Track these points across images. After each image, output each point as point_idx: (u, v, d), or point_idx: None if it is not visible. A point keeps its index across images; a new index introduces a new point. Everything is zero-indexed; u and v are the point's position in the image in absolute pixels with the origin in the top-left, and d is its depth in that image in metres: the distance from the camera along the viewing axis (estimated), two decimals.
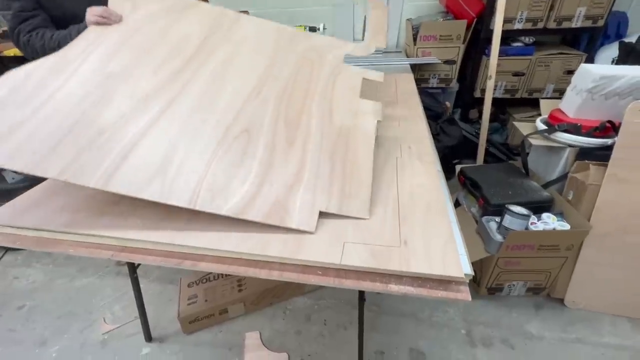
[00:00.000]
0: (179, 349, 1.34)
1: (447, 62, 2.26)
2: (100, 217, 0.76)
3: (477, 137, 2.05)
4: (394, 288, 0.58)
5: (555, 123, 1.43)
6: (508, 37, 2.14)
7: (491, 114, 1.94)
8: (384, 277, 0.60)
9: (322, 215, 0.73)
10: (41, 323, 1.48)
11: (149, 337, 1.37)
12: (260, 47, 1.03)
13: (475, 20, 2.20)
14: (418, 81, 2.19)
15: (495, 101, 2.12)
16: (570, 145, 1.37)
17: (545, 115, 1.56)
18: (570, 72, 2.09)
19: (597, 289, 1.35)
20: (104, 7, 0.95)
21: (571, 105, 1.42)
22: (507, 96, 2.31)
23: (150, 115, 0.79)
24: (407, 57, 2.35)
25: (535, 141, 1.45)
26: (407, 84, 1.69)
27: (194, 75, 0.90)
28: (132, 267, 1.21)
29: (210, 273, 1.51)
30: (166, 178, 0.71)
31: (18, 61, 1.12)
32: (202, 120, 0.82)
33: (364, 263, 0.61)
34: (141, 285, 1.28)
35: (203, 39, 0.98)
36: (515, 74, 2.21)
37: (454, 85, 2.38)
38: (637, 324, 1.34)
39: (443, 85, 2.37)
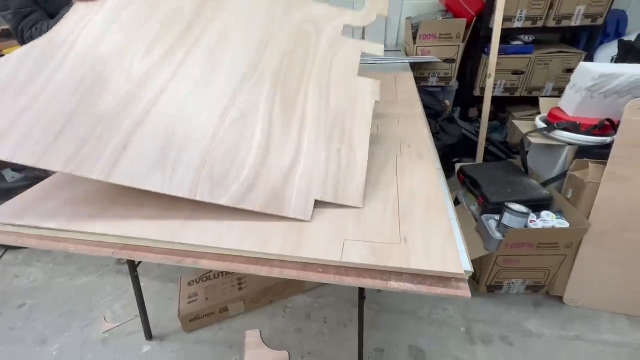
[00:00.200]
0: (180, 347, 1.35)
1: (446, 60, 2.26)
2: (102, 214, 0.76)
3: (477, 135, 2.05)
4: (394, 285, 0.59)
5: (555, 121, 1.43)
6: (507, 35, 2.14)
7: (491, 113, 1.94)
8: (384, 274, 0.61)
9: (322, 213, 0.74)
10: (42, 322, 1.48)
11: (149, 336, 1.38)
12: (254, 20, 0.96)
13: (474, 18, 2.20)
14: (418, 80, 2.19)
15: (495, 100, 2.12)
16: (569, 144, 1.38)
17: (544, 114, 1.56)
18: (570, 71, 2.09)
19: (596, 286, 1.36)
20: None
21: (570, 104, 1.42)
22: (507, 95, 2.31)
23: (146, 101, 0.77)
24: (407, 55, 2.35)
25: (534, 139, 1.46)
26: (407, 82, 1.69)
27: (188, 54, 0.86)
28: (133, 266, 1.21)
29: (211, 271, 1.51)
30: (166, 168, 0.72)
31: None
32: (198, 105, 0.80)
33: (364, 260, 0.61)
34: (142, 284, 1.28)
35: (195, 10, 0.93)
36: (515, 73, 2.21)
37: (454, 84, 2.38)
38: (635, 322, 1.34)
39: (443, 83, 2.37)
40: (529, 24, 2.06)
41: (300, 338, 1.36)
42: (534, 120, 1.57)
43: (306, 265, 0.63)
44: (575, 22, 2.02)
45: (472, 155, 2.07)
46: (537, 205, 1.33)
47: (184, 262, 0.66)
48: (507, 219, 1.27)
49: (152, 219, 0.74)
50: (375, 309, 1.45)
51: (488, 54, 1.96)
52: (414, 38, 2.24)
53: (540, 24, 2.05)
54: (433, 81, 2.36)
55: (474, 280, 1.51)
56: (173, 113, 0.78)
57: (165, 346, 1.35)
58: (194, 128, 0.77)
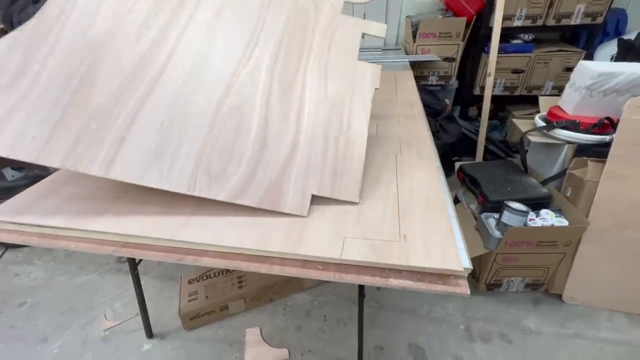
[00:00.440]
0: (180, 345, 1.35)
1: (446, 59, 2.26)
2: (103, 211, 0.76)
3: (477, 134, 2.06)
4: (394, 282, 0.59)
5: (554, 120, 1.43)
6: (507, 34, 2.14)
7: (490, 112, 1.94)
8: (384, 272, 0.61)
9: (322, 210, 0.74)
10: (42, 320, 1.48)
11: (150, 334, 1.38)
12: None
13: (474, 17, 2.20)
14: (417, 78, 2.19)
15: (495, 98, 2.12)
16: (568, 142, 1.38)
17: (544, 113, 1.56)
18: (570, 69, 2.09)
19: (595, 284, 1.36)
20: None
21: (570, 102, 1.42)
22: (506, 93, 2.31)
23: (139, 94, 0.75)
24: (407, 54, 2.35)
25: (534, 138, 1.46)
26: (407, 81, 1.70)
27: (180, 39, 0.81)
28: (133, 264, 1.21)
29: (211, 270, 1.51)
30: (163, 163, 0.72)
31: None
32: (192, 94, 0.78)
33: (364, 257, 0.61)
34: (142, 282, 1.29)
35: None
36: (515, 71, 2.21)
37: (454, 83, 2.38)
38: (634, 319, 1.35)
39: (442, 82, 2.37)
40: (528, 23, 2.06)
41: (300, 336, 1.36)
42: (533, 118, 1.57)
43: (306, 262, 0.64)
44: (575, 20, 2.02)
45: (472, 153, 2.08)
46: (537, 204, 1.33)
47: (184, 259, 0.66)
48: (507, 217, 1.27)
49: (153, 216, 0.74)
50: (375, 307, 1.45)
51: (488, 52, 1.96)
52: (414, 36, 2.24)
53: (540, 22, 2.05)
54: (433, 80, 2.36)
55: (474, 278, 1.51)
56: (168, 106, 0.76)
57: (165, 344, 1.36)
58: (190, 121, 0.76)
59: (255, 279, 1.46)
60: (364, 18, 2.50)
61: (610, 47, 2.04)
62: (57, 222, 0.73)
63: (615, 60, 1.87)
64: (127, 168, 0.70)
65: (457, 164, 1.68)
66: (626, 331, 1.31)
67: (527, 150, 1.62)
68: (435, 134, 1.97)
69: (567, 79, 1.45)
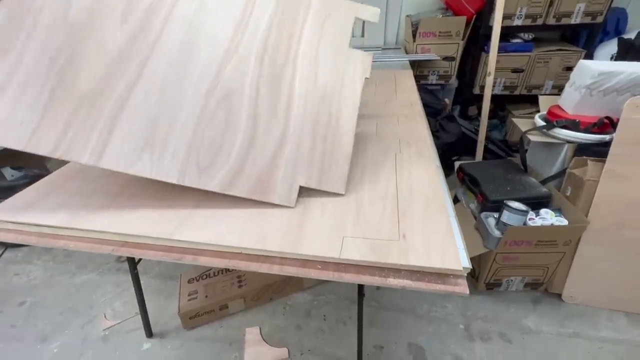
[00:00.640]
0: (180, 344, 1.35)
1: (446, 58, 2.26)
2: (102, 211, 0.76)
3: (476, 133, 2.05)
4: (393, 281, 0.59)
5: (554, 119, 1.43)
6: (507, 33, 2.14)
7: (490, 111, 1.94)
8: (383, 271, 0.61)
9: (322, 209, 0.74)
10: (42, 319, 1.48)
11: (149, 333, 1.38)
12: None
13: (474, 16, 2.19)
14: (417, 78, 2.19)
15: (495, 98, 2.12)
16: (568, 142, 1.38)
17: (544, 112, 1.56)
18: (570, 69, 2.09)
19: (594, 284, 1.36)
20: None
21: (570, 102, 1.42)
22: (506, 93, 2.31)
23: (126, 81, 0.74)
24: (407, 53, 2.35)
25: (533, 137, 1.46)
26: (407, 80, 1.69)
27: (165, 24, 0.78)
28: (133, 263, 1.21)
29: (210, 269, 1.51)
30: (154, 154, 0.72)
31: None
32: (180, 86, 0.76)
33: (363, 257, 0.61)
34: (141, 282, 1.29)
35: None
36: (515, 71, 2.21)
37: (453, 82, 2.38)
38: (633, 319, 1.35)
39: (442, 81, 2.37)
40: (528, 22, 2.05)
41: (299, 335, 1.36)
42: (533, 118, 1.57)
43: (305, 262, 0.64)
44: (575, 19, 2.02)
45: (472, 153, 2.08)
46: (536, 203, 1.33)
47: (183, 259, 0.66)
48: (506, 216, 1.27)
49: (152, 216, 0.74)
50: (375, 307, 1.45)
51: (488, 51, 1.96)
52: (414, 36, 2.23)
53: (540, 21, 2.05)
54: (433, 79, 2.36)
55: (473, 277, 1.51)
56: (157, 92, 0.75)
57: (165, 343, 1.36)
58: (179, 111, 0.75)
59: (254, 278, 1.46)
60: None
61: (611, 47, 2.04)
62: (56, 221, 0.73)
63: (615, 60, 1.87)
64: (118, 157, 0.70)
65: (457, 164, 1.68)
66: (626, 330, 1.31)
67: (526, 150, 1.62)
68: (434, 133, 1.97)
69: (567, 78, 1.45)
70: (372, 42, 2.50)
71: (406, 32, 2.39)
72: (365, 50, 0.95)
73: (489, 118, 2.01)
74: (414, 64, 2.23)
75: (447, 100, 2.33)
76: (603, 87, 1.30)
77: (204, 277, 1.49)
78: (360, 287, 1.01)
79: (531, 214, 1.28)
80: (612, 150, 1.19)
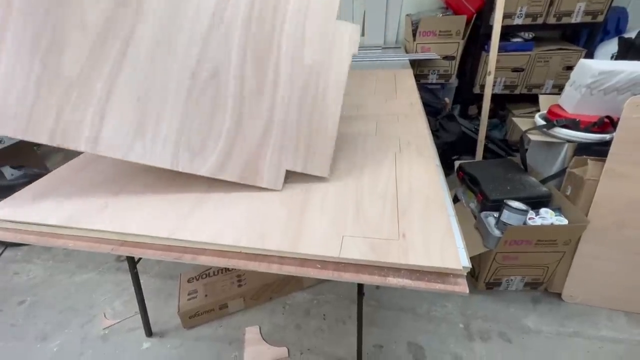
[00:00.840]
0: (180, 343, 1.35)
1: (446, 58, 2.26)
2: (101, 210, 0.76)
3: (476, 133, 2.05)
4: (392, 281, 0.59)
5: (554, 118, 1.43)
6: (507, 32, 2.13)
7: (490, 110, 1.94)
8: (383, 270, 0.61)
9: (321, 208, 0.74)
10: (42, 318, 1.48)
11: (149, 332, 1.38)
12: None
13: (474, 15, 2.19)
14: (417, 77, 2.19)
15: (495, 97, 2.12)
16: (568, 141, 1.38)
17: (544, 111, 1.56)
18: (570, 68, 2.09)
19: (594, 283, 1.36)
20: None
21: (570, 101, 1.42)
22: (507, 92, 2.31)
23: (111, 61, 0.72)
24: (407, 52, 2.35)
25: (534, 137, 1.46)
26: (407, 79, 1.69)
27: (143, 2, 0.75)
28: (132, 263, 1.21)
29: (210, 268, 1.51)
30: (146, 139, 0.73)
31: None
32: (165, 67, 0.75)
33: (363, 256, 0.61)
34: (141, 281, 1.29)
35: None
36: (515, 70, 2.21)
37: (453, 81, 2.38)
38: (633, 318, 1.35)
39: (442, 81, 2.37)
40: (529, 21, 2.05)
41: (299, 334, 1.36)
42: (533, 117, 1.57)
43: (305, 261, 0.64)
44: (576, 19, 2.02)
45: (472, 152, 2.07)
46: (536, 203, 1.33)
47: (182, 258, 0.66)
48: (506, 216, 1.27)
49: (151, 215, 0.74)
50: (374, 306, 1.45)
51: (488, 51, 1.95)
52: (414, 35, 2.23)
53: (540, 20, 2.04)
54: (433, 78, 2.36)
55: (473, 277, 1.51)
56: (143, 74, 0.73)
57: (165, 342, 1.36)
58: (166, 90, 0.75)
59: (254, 277, 1.46)
60: (364, 17, 2.51)
61: (611, 46, 2.03)
62: (55, 220, 0.73)
63: (616, 59, 1.86)
64: (113, 143, 0.71)
65: (457, 163, 1.68)
66: (625, 330, 1.31)
67: (527, 149, 1.62)
68: (435, 132, 1.97)
69: (568, 78, 1.44)
70: (372, 41, 2.50)
71: (406, 31, 2.39)
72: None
73: (489, 117, 2.01)
74: (414, 63, 2.22)
75: (447, 100, 2.33)
76: (603, 87, 1.30)
77: (204, 276, 1.49)
78: (360, 287, 1.01)
79: (531, 214, 1.28)
80: (613, 149, 1.19)
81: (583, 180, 1.26)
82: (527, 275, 1.42)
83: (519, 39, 2.20)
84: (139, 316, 1.37)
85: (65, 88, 0.70)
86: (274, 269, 0.63)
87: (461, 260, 0.59)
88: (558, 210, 1.31)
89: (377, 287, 1.51)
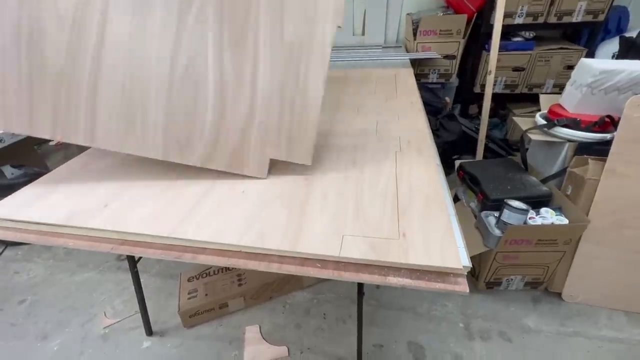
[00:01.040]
0: (180, 342, 1.35)
1: (447, 57, 2.26)
2: (102, 210, 0.76)
3: (477, 132, 2.05)
4: (393, 280, 0.59)
5: (555, 118, 1.43)
6: (508, 31, 2.13)
7: (491, 110, 1.93)
8: (383, 270, 0.61)
9: (321, 207, 0.74)
10: (42, 317, 1.48)
11: (149, 331, 1.38)
12: None
13: (475, 14, 2.19)
14: (418, 76, 2.19)
15: (495, 96, 2.11)
16: (569, 140, 1.37)
17: (544, 111, 1.56)
18: (571, 67, 2.09)
19: (594, 283, 1.36)
20: None
21: (571, 100, 1.41)
22: (507, 91, 2.31)
23: (90, 53, 0.72)
24: (407, 52, 2.34)
25: (534, 136, 1.46)
26: (407, 79, 1.69)
27: None
28: (133, 262, 1.21)
29: (210, 267, 1.51)
30: (137, 132, 0.75)
31: None
32: (143, 57, 0.74)
33: (363, 255, 0.61)
34: (141, 280, 1.29)
35: None
36: (515, 69, 2.21)
37: (454, 81, 2.37)
38: (633, 318, 1.35)
39: (443, 80, 2.36)
40: (529, 20, 2.05)
41: (299, 334, 1.36)
42: (534, 117, 1.57)
43: (305, 260, 0.63)
44: (577, 18, 2.01)
45: (472, 152, 2.07)
46: (537, 202, 1.33)
47: (182, 257, 0.66)
48: (507, 215, 1.27)
49: (151, 215, 0.74)
50: (374, 305, 1.45)
51: (488, 50, 1.95)
52: (414, 34, 2.23)
53: (541, 20, 2.04)
54: (433, 78, 2.35)
55: (473, 276, 1.51)
56: (123, 63, 0.74)
57: (165, 341, 1.36)
58: (148, 79, 0.75)
59: (254, 277, 1.46)
60: (364, 16, 2.51)
61: (612, 45, 2.03)
62: (55, 219, 0.73)
63: (617, 58, 1.86)
64: (108, 136, 0.73)
65: (457, 162, 1.67)
66: (625, 329, 1.31)
67: (527, 149, 1.61)
68: (435, 132, 1.97)
69: (568, 77, 1.44)
70: (372, 40, 2.49)
71: (407, 30, 2.39)
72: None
73: (490, 117, 2.00)
74: (415, 63, 2.22)
75: (447, 99, 2.32)
76: (604, 86, 1.29)
77: (204, 275, 1.49)
78: (360, 286, 1.01)
79: (531, 213, 1.28)
80: (613, 149, 1.19)
81: (584, 180, 1.26)
82: (528, 275, 1.42)
83: (519, 38, 2.19)
84: (139, 315, 1.37)
85: (53, 82, 0.73)
86: (274, 268, 0.63)
87: (461, 260, 0.59)
88: (558, 209, 1.31)
89: (378, 286, 1.51)
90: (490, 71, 1.80)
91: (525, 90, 2.28)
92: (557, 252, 1.32)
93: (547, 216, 1.28)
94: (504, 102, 2.48)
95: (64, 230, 0.73)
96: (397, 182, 0.83)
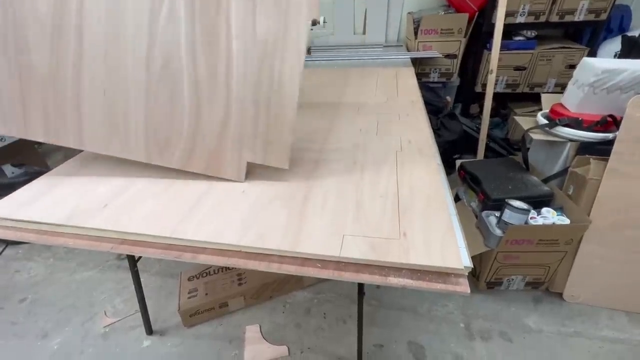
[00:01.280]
0: (180, 342, 1.35)
1: (448, 56, 2.25)
2: (101, 209, 0.75)
3: (478, 132, 2.04)
4: (393, 280, 0.58)
5: (557, 117, 1.42)
6: (510, 30, 2.12)
7: (492, 109, 1.93)
8: (383, 270, 0.60)
9: (321, 207, 0.73)
10: (43, 316, 1.49)
11: (149, 330, 1.38)
12: None
13: (476, 13, 2.18)
14: (419, 75, 2.18)
15: (496, 96, 2.11)
16: (571, 140, 1.37)
17: (546, 110, 1.55)
18: (572, 67, 2.08)
19: (595, 283, 1.36)
20: None
21: (573, 100, 1.41)
22: (508, 91, 2.30)
23: (71, 56, 0.74)
24: (408, 51, 2.33)
25: (536, 136, 1.45)
26: (408, 78, 1.68)
27: None
28: (133, 261, 1.21)
29: (210, 267, 1.51)
30: (120, 134, 0.77)
31: None
32: (119, 58, 0.75)
33: (363, 255, 0.61)
34: (142, 279, 1.29)
35: None
36: (517, 69, 2.20)
37: (455, 80, 2.37)
38: (634, 318, 1.34)
39: (444, 79, 2.36)
40: (531, 19, 2.04)
41: (299, 333, 1.36)
42: (535, 116, 1.56)
43: (305, 260, 0.63)
44: (579, 17, 2.00)
45: (473, 151, 2.06)
46: (538, 202, 1.32)
47: (182, 256, 0.66)
48: (508, 215, 1.26)
49: (151, 214, 0.74)
50: (375, 305, 1.45)
51: (490, 49, 1.94)
52: (415, 33, 2.22)
53: (543, 19, 2.03)
54: (434, 77, 2.35)
55: (474, 276, 1.51)
56: (102, 66, 0.75)
57: (165, 341, 1.36)
58: (126, 81, 0.77)
59: (254, 276, 1.46)
60: (365, 15, 2.50)
61: (614, 44, 2.02)
62: (55, 219, 0.73)
63: (619, 57, 1.85)
64: (93, 138, 0.75)
65: (458, 162, 1.67)
66: (626, 330, 1.31)
67: (528, 148, 1.61)
68: (436, 131, 1.96)
69: (570, 76, 1.43)
70: (373, 39, 2.49)
71: (408, 29, 2.38)
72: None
73: (491, 116, 2.00)
74: (416, 62, 2.21)
75: (448, 98, 2.32)
76: (606, 85, 1.29)
77: (204, 275, 1.49)
78: (361, 286, 1.01)
79: (533, 213, 1.28)
80: (615, 148, 1.18)
81: (585, 180, 1.25)
82: (529, 275, 1.41)
83: (521, 37, 2.18)
84: (139, 314, 1.37)
85: (42, 85, 0.74)
86: (274, 268, 0.63)
87: (462, 260, 0.59)
88: (560, 209, 1.30)
89: (378, 286, 1.51)
90: (491, 70, 1.79)
91: (526, 90, 2.28)
92: (558, 252, 1.31)
93: (549, 216, 1.27)
94: (505, 102, 2.48)
95: (64, 229, 0.73)
96: (397, 182, 0.82)
